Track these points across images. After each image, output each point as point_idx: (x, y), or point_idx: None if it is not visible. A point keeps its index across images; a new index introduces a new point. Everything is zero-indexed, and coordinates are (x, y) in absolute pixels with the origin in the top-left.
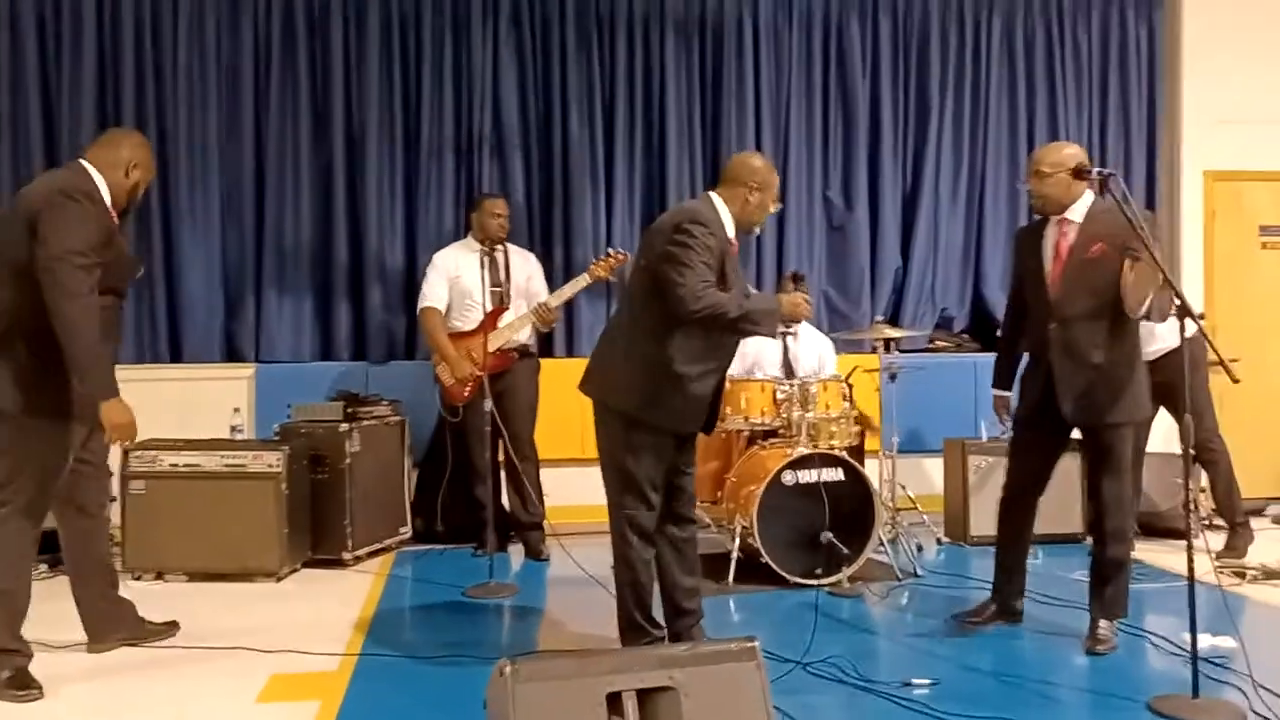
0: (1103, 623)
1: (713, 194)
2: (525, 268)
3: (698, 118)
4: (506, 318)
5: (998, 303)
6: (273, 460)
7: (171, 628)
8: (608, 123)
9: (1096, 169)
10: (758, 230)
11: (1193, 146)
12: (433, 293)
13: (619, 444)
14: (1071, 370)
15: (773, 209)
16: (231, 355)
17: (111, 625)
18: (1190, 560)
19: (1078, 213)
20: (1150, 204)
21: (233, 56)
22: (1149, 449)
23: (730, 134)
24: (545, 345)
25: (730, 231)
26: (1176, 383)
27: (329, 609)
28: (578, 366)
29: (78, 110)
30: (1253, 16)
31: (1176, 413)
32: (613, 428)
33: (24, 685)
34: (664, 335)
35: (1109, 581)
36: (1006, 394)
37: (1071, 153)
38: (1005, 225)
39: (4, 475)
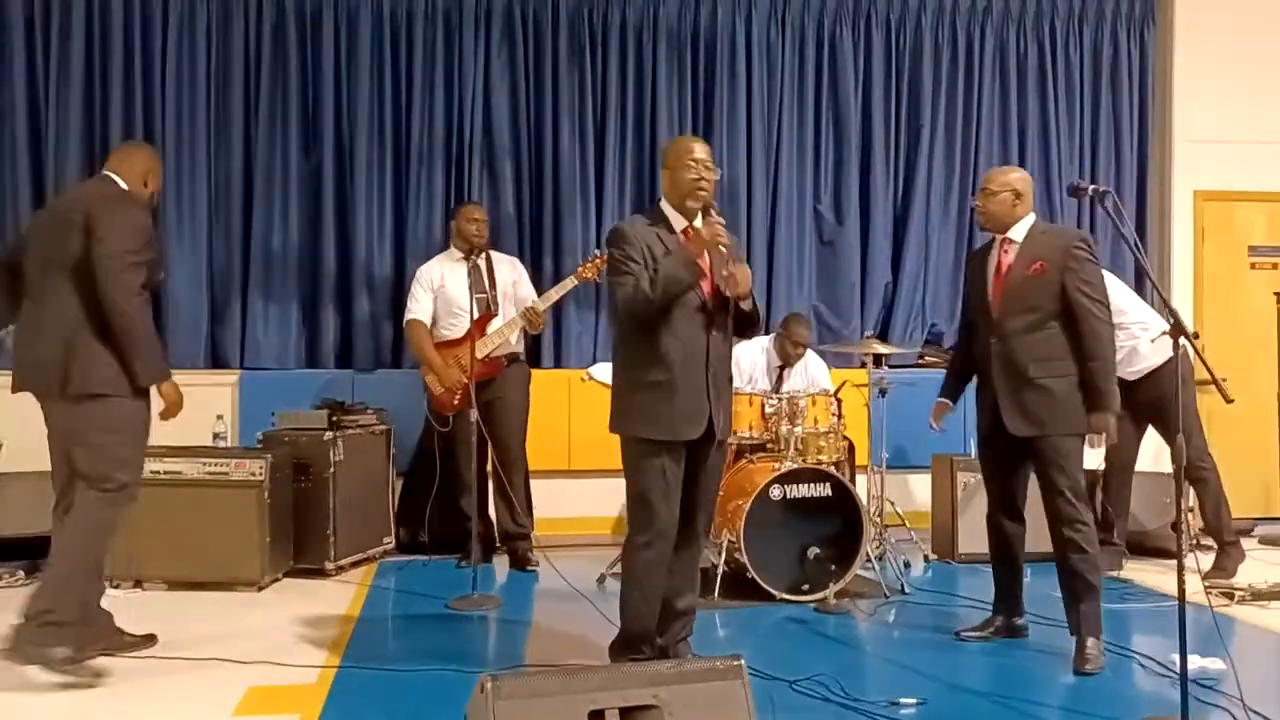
0: (1090, 641)
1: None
2: (511, 273)
3: (689, 130)
4: (494, 324)
5: None
6: (255, 468)
7: (149, 640)
8: (599, 133)
9: (1091, 185)
10: (701, 197)
11: (1183, 166)
12: (416, 306)
13: (626, 468)
14: (1012, 385)
15: (690, 174)
16: (216, 361)
17: (89, 636)
18: (1181, 581)
19: (1019, 233)
20: (1140, 223)
21: (223, 62)
22: (1137, 468)
23: (721, 146)
24: (533, 356)
25: (678, 221)
26: (1165, 401)
27: (310, 620)
28: (565, 377)
29: (65, 114)
30: (1245, 37)
31: (1166, 431)
32: (622, 454)
33: (82, 659)
34: (627, 349)
35: (1082, 599)
36: (948, 402)
37: (1019, 176)
38: None
39: (125, 454)
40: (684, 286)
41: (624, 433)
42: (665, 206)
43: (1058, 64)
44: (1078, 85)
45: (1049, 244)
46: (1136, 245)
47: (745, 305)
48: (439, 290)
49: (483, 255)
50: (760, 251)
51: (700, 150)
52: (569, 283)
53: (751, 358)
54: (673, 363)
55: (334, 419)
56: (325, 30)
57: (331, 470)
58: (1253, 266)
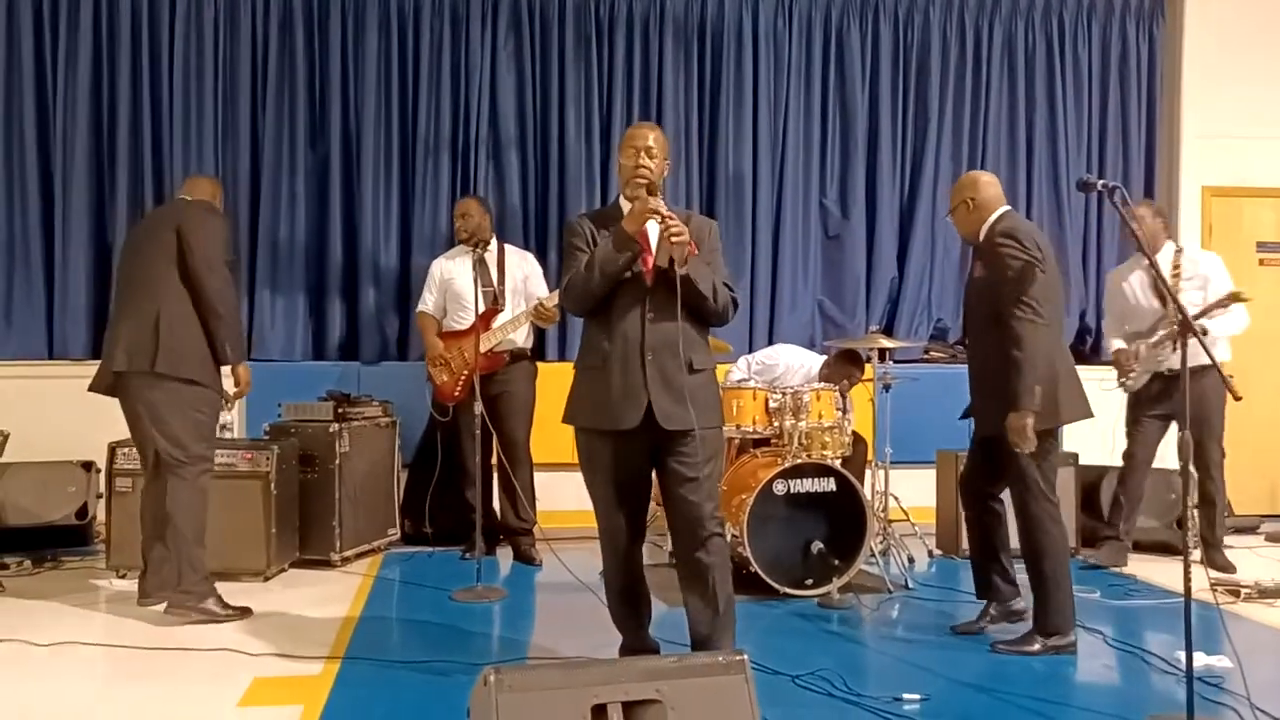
0: (1038, 638)
1: None
2: (522, 268)
3: (695, 122)
4: (501, 318)
5: None
6: (261, 460)
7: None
8: (605, 125)
9: (1100, 180)
10: (638, 184)
11: (1191, 162)
12: (425, 298)
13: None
14: (976, 386)
15: (629, 160)
16: None
17: (163, 580)
18: (1187, 578)
19: (983, 235)
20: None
21: (230, 54)
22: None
23: (727, 139)
24: (538, 349)
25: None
26: (1198, 401)
27: (315, 611)
28: (570, 370)
29: (72, 105)
30: (1253, 33)
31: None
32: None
33: (234, 608)
34: (582, 337)
35: (1037, 597)
36: None
37: (968, 180)
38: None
39: (207, 435)
40: (620, 265)
41: (566, 421)
42: (622, 200)
43: (1066, 58)
44: (1086, 80)
45: (988, 243)
46: (1145, 241)
47: (681, 271)
48: (446, 283)
49: (492, 249)
50: (765, 245)
51: (644, 137)
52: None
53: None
54: (607, 348)
55: (340, 411)
56: (332, 23)
57: (337, 462)
58: (1261, 263)
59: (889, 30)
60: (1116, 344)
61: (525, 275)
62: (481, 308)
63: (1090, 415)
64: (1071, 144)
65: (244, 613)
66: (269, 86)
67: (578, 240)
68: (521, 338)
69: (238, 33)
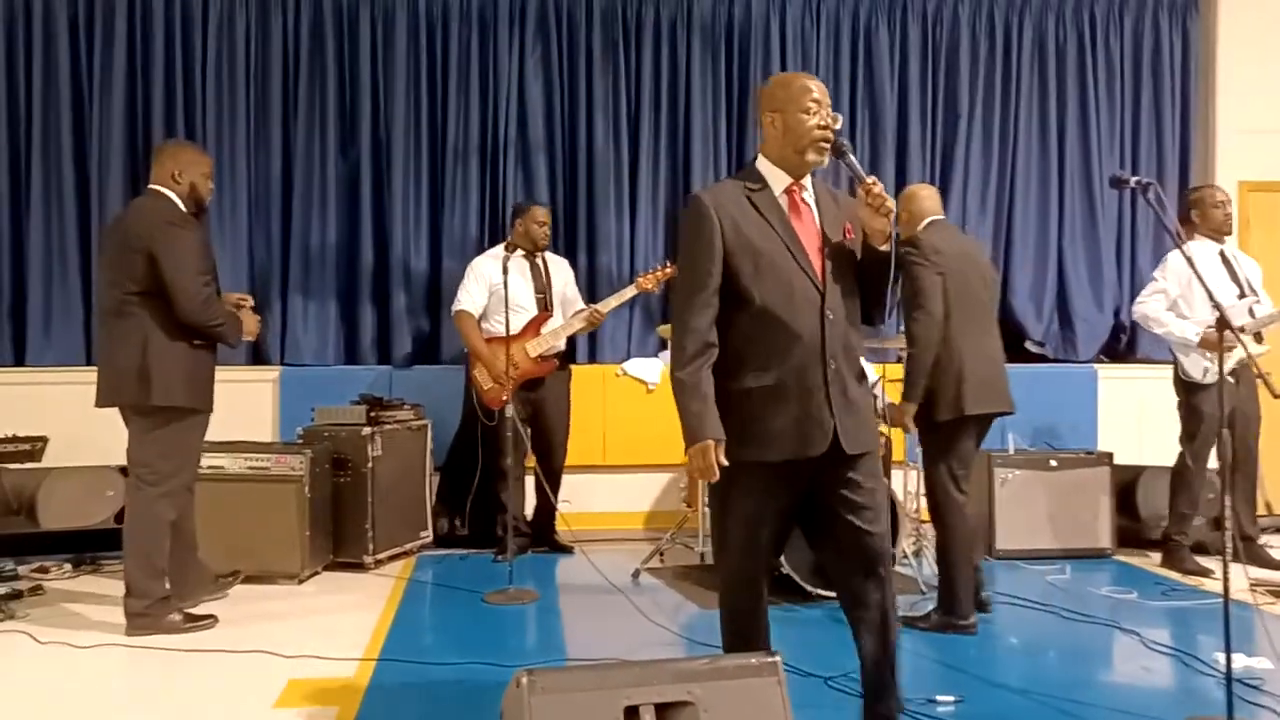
0: (934, 614)
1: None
2: (563, 274)
3: (723, 124)
4: (551, 324)
5: (1027, 312)
6: (295, 464)
7: (233, 577)
8: (633, 129)
9: (1134, 177)
10: (824, 148)
11: (1227, 156)
12: (467, 297)
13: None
14: None
15: (811, 117)
16: (257, 358)
17: (193, 587)
18: (1226, 579)
19: None
20: (1184, 215)
21: (261, 61)
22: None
23: (755, 141)
24: (568, 351)
25: (779, 180)
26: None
27: (349, 613)
28: (600, 372)
29: (107, 113)
30: None
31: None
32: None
33: (197, 619)
34: (738, 343)
35: (939, 579)
36: None
37: (903, 196)
38: (1034, 235)
39: (174, 459)
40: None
41: (731, 458)
42: (763, 164)
43: (1098, 54)
44: (1118, 75)
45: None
46: (1180, 237)
47: (883, 248)
48: (496, 286)
49: (539, 255)
50: None
51: (821, 88)
52: (629, 291)
53: None
54: (780, 357)
55: (372, 414)
56: (362, 30)
57: (370, 465)
58: None
59: (917, 28)
60: (1182, 326)
61: (565, 281)
62: (536, 313)
63: (1009, 410)
64: (1104, 140)
65: (209, 621)
66: (300, 94)
67: (702, 254)
68: (562, 343)
69: (269, 42)
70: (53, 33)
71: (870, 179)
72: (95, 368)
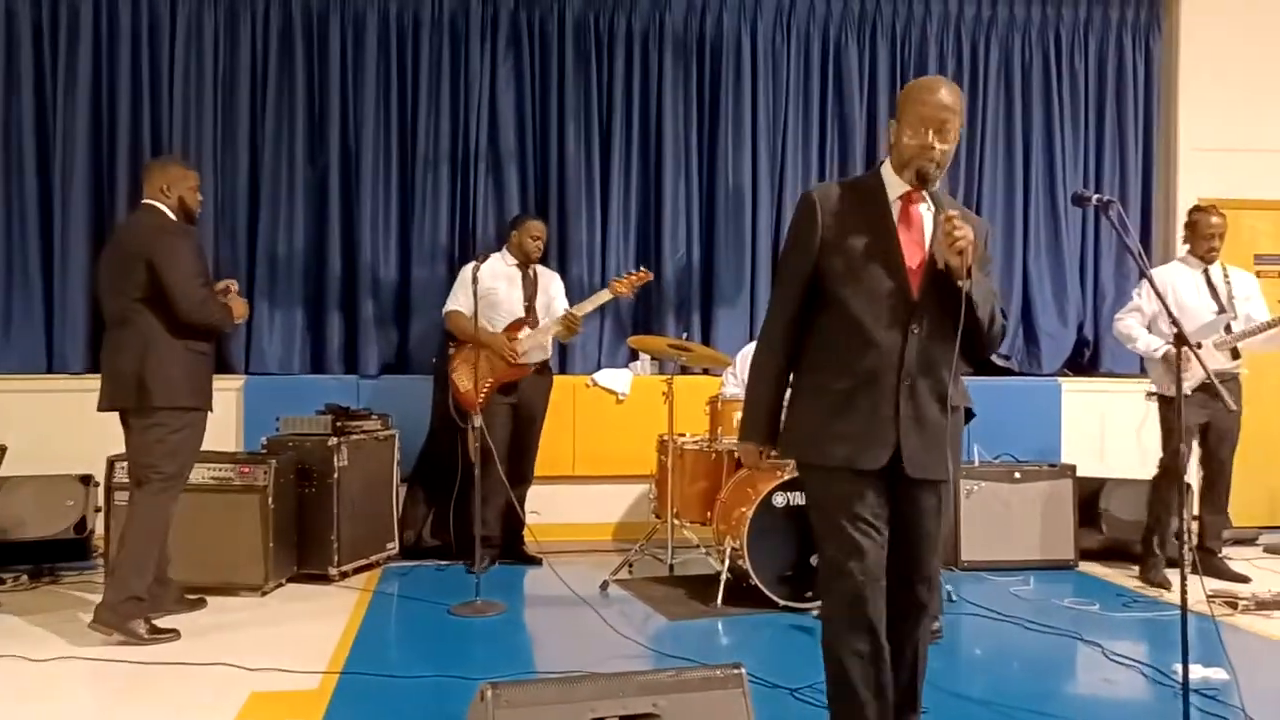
0: None
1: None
2: (553, 287)
3: (694, 137)
4: (524, 332)
5: None
6: (259, 474)
7: (198, 603)
8: (604, 140)
9: (1096, 195)
10: (925, 170)
11: (1188, 174)
12: (456, 300)
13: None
14: None
15: (915, 137)
16: (221, 366)
17: (160, 600)
18: (1184, 589)
19: None
20: (1145, 233)
21: (229, 68)
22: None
23: (726, 154)
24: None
25: (894, 188)
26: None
27: (313, 625)
28: (569, 383)
29: (72, 117)
30: (1250, 46)
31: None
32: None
33: (160, 631)
34: (818, 348)
35: None
36: None
37: None
38: (1000, 251)
39: (178, 459)
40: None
41: (787, 455)
42: (886, 167)
43: (1063, 73)
44: (1083, 94)
45: None
46: (1141, 255)
47: (965, 286)
48: (488, 292)
49: (533, 266)
50: (765, 260)
51: (944, 104)
52: (604, 295)
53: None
54: (856, 365)
55: (338, 424)
56: (332, 36)
57: (335, 476)
58: (1259, 274)
59: (886, 47)
60: (1156, 343)
61: (554, 295)
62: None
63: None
64: (1069, 158)
65: (170, 635)
66: (268, 100)
67: (794, 255)
68: (546, 350)
69: (237, 46)
70: (16, 37)
71: (950, 212)
72: (55, 376)
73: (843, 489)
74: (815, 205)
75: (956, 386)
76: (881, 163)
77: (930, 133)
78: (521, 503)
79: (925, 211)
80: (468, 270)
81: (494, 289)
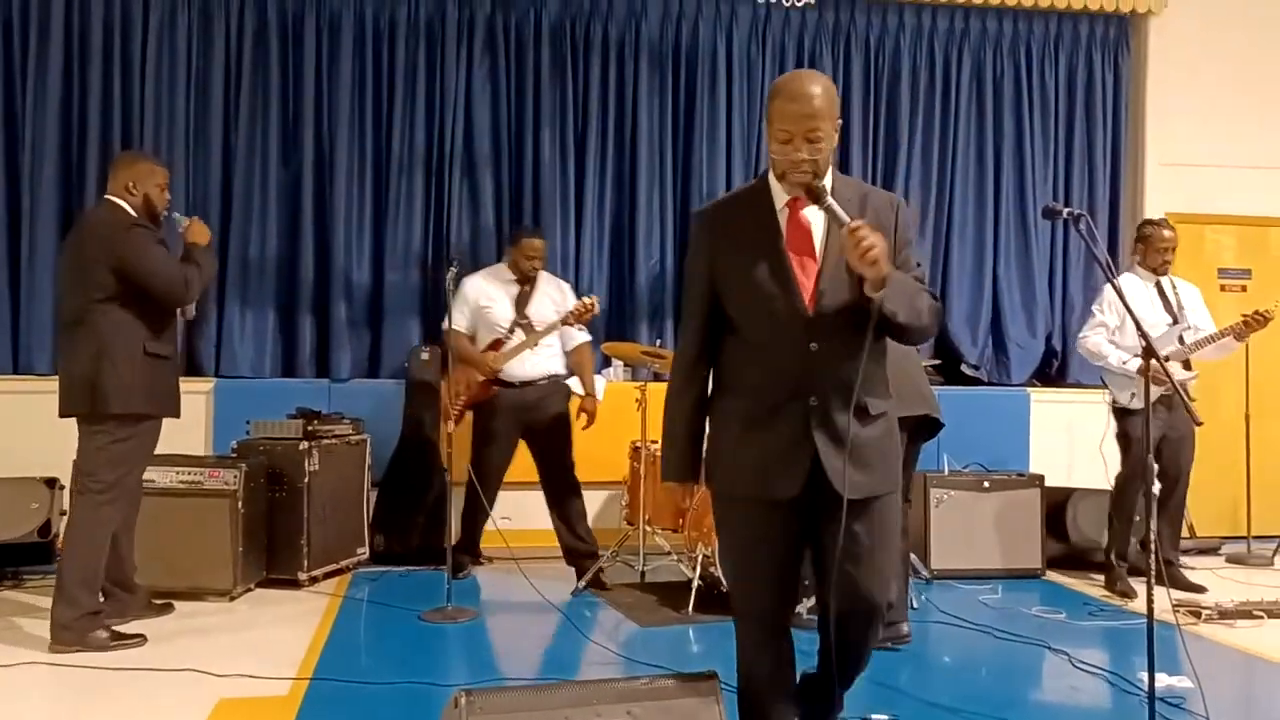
0: None
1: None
2: (552, 302)
3: (669, 145)
4: (507, 347)
5: (963, 336)
6: (229, 478)
7: (166, 608)
8: (579, 146)
9: (1066, 208)
10: (799, 179)
11: (1155, 189)
12: (456, 318)
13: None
14: None
15: (781, 145)
16: (191, 369)
17: (125, 605)
18: (1150, 600)
19: None
20: (1113, 245)
21: (203, 69)
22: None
23: (701, 162)
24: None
25: (780, 197)
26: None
27: (282, 631)
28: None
29: (41, 118)
30: (1216, 63)
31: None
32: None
33: (124, 637)
34: (723, 367)
35: None
36: None
37: None
38: (970, 261)
39: (120, 469)
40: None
41: (706, 483)
42: (770, 175)
43: (1034, 87)
44: (1053, 108)
45: None
46: (1109, 267)
47: (876, 296)
48: (483, 309)
49: (533, 282)
50: None
51: (807, 100)
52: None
53: None
54: (755, 386)
55: (309, 428)
56: (307, 38)
57: (306, 480)
58: (1222, 288)
59: (860, 57)
60: (1126, 357)
61: (558, 311)
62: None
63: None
64: (1039, 170)
65: (137, 640)
66: (242, 102)
67: (692, 283)
68: (559, 364)
69: (211, 47)
70: None
71: (853, 224)
72: (21, 377)
73: (747, 524)
74: (703, 227)
75: (878, 394)
76: (767, 169)
77: (798, 141)
78: (580, 515)
79: (815, 215)
80: (465, 283)
81: (489, 307)
